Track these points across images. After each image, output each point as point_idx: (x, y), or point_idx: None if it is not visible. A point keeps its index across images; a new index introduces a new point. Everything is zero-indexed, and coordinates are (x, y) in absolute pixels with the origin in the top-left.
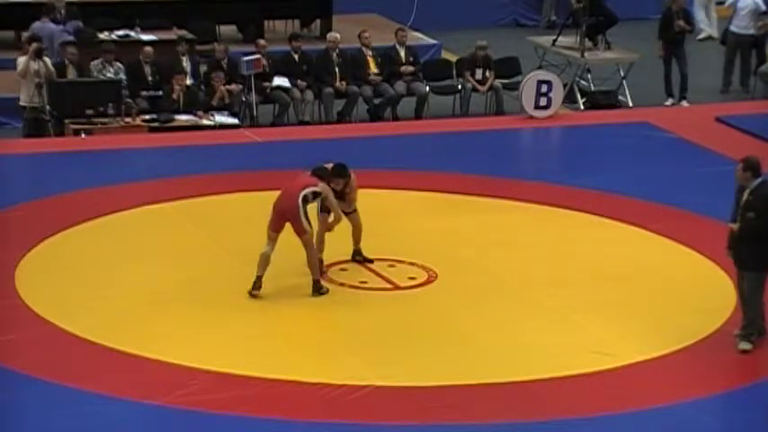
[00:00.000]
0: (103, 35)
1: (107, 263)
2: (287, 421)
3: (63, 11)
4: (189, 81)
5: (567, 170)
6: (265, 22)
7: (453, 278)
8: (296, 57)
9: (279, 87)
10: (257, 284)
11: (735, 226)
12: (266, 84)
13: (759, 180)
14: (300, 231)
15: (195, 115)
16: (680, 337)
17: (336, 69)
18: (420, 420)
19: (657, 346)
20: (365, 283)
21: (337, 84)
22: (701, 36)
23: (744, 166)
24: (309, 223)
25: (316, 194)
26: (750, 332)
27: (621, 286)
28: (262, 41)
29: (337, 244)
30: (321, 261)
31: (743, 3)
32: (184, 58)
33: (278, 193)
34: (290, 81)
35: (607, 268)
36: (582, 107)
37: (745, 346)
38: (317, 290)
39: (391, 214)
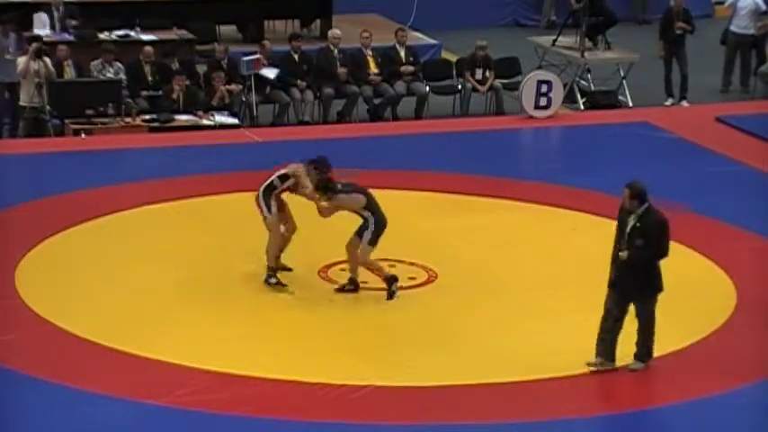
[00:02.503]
0: (103, 35)
1: (107, 263)
2: (287, 421)
3: (61, 8)
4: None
5: (567, 170)
6: (265, 22)
7: (453, 278)
8: (296, 57)
9: (278, 87)
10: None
11: (624, 254)
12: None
13: (645, 206)
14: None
15: (195, 115)
16: (680, 337)
17: (338, 64)
18: (420, 420)
19: (657, 346)
20: (365, 283)
21: (339, 70)
22: None
23: (630, 193)
24: (269, 209)
25: (283, 178)
26: (644, 351)
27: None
28: (267, 44)
29: (337, 244)
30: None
31: (743, 3)
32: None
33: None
34: (290, 80)
35: (607, 268)
36: (582, 107)
37: (636, 366)
38: (268, 279)
39: (391, 214)
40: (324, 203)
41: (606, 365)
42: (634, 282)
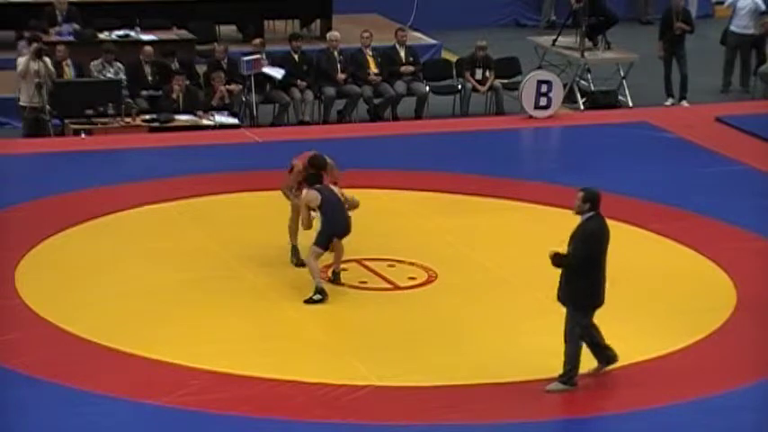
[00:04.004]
0: (103, 35)
1: (107, 263)
2: (287, 421)
3: (65, 13)
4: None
5: (567, 170)
6: (265, 22)
7: (453, 278)
8: (296, 57)
9: (278, 87)
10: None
11: (551, 254)
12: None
13: (591, 214)
14: None
15: (195, 115)
16: (680, 337)
17: (339, 66)
18: (420, 420)
19: (657, 346)
20: (365, 283)
21: (339, 76)
22: None
23: (583, 196)
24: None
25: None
26: (569, 372)
27: (621, 286)
28: (258, 40)
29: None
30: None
31: (742, 3)
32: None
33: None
34: (290, 80)
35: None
36: (582, 107)
37: (553, 386)
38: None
39: (391, 214)
40: (296, 201)
41: (604, 368)
42: (565, 290)
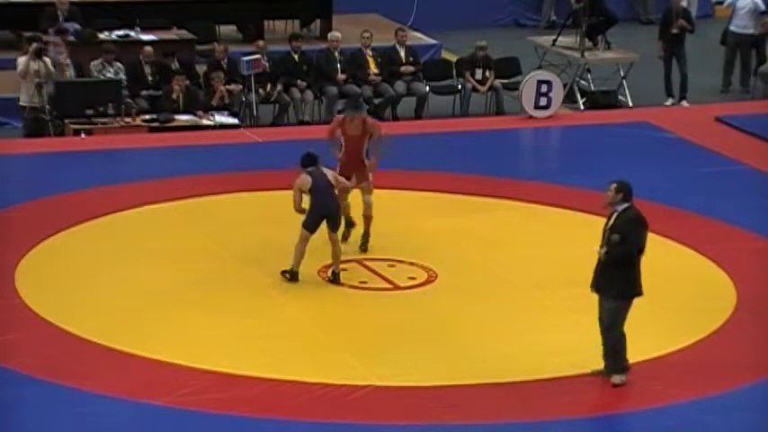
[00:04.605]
0: (103, 35)
1: (107, 263)
2: (287, 421)
3: (65, 13)
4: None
5: (567, 170)
6: (265, 22)
7: (453, 278)
8: (296, 57)
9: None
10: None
11: (602, 251)
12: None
13: (627, 205)
14: None
15: (195, 115)
16: (679, 337)
17: (339, 66)
18: (420, 420)
19: (657, 346)
20: (365, 283)
21: (339, 76)
22: None
23: (616, 187)
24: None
25: None
26: (617, 364)
27: None
28: (260, 42)
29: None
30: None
31: (742, 3)
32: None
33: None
34: (290, 80)
35: None
36: (582, 107)
37: (616, 379)
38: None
39: (391, 214)
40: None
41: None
42: (609, 281)
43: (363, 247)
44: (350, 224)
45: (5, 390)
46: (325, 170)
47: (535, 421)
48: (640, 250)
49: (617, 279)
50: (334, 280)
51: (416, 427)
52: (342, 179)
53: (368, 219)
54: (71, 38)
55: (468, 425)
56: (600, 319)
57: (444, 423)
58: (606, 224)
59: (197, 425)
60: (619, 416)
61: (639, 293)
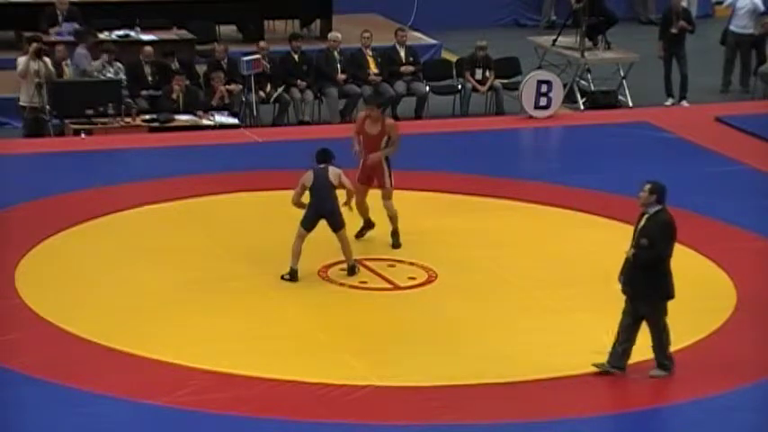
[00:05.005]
0: (103, 35)
1: (107, 263)
2: (287, 421)
3: (65, 13)
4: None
5: (567, 170)
6: (265, 22)
7: (453, 278)
8: (296, 57)
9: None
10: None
11: (630, 253)
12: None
13: (659, 207)
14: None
15: (195, 115)
16: (679, 337)
17: (339, 67)
18: (420, 420)
19: None
20: (365, 283)
21: (339, 76)
22: None
23: (650, 188)
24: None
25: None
26: (663, 359)
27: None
28: (262, 43)
29: (337, 245)
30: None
31: (741, 3)
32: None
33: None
34: (290, 80)
35: (607, 268)
36: (582, 107)
37: (653, 372)
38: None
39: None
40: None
41: (610, 371)
42: (640, 283)
43: (395, 245)
44: (368, 225)
45: (5, 390)
46: (333, 170)
47: (535, 421)
48: (668, 256)
49: (656, 283)
50: (351, 273)
51: (416, 427)
52: (346, 181)
53: (392, 219)
54: (71, 38)
55: (468, 425)
56: (623, 316)
57: (444, 423)
58: (637, 224)
59: (197, 425)
60: (619, 416)
61: (670, 296)
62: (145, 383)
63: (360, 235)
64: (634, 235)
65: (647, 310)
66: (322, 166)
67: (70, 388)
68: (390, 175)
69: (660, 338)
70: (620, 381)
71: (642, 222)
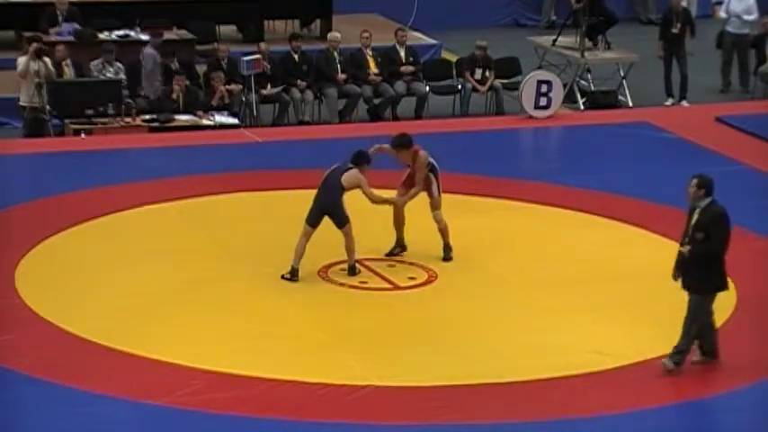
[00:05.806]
0: (103, 35)
1: (107, 263)
2: (287, 421)
3: (65, 13)
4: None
5: (567, 170)
6: (265, 22)
7: (453, 278)
8: (296, 57)
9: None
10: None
11: (685, 249)
12: (267, 91)
13: (709, 200)
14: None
15: (195, 115)
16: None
17: (338, 66)
18: (420, 420)
19: (657, 347)
20: (365, 283)
21: (339, 76)
22: None
23: (698, 182)
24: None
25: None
26: (680, 352)
27: (621, 286)
28: (263, 45)
29: (337, 245)
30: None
31: (735, 6)
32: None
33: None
34: (290, 80)
35: (607, 268)
36: (582, 107)
37: (667, 361)
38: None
39: (391, 214)
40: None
41: (706, 361)
42: (694, 276)
43: (445, 258)
44: (400, 245)
45: (5, 390)
46: (354, 174)
47: (535, 421)
48: (725, 247)
49: (702, 275)
50: (351, 273)
51: (416, 427)
52: (366, 189)
53: (442, 232)
54: (71, 38)
55: (468, 425)
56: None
57: (444, 423)
58: (689, 220)
59: (197, 425)
60: (619, 416)
61: (724, 288)
62: (145, 383)
63: (390, 254)
64: (687, 231)
65: (691, 302)
66: (350, 166)
67: (70, 388)
68: (439, 186)
69: (689, 330)
70: (619, 380)
71: (696, 217)
